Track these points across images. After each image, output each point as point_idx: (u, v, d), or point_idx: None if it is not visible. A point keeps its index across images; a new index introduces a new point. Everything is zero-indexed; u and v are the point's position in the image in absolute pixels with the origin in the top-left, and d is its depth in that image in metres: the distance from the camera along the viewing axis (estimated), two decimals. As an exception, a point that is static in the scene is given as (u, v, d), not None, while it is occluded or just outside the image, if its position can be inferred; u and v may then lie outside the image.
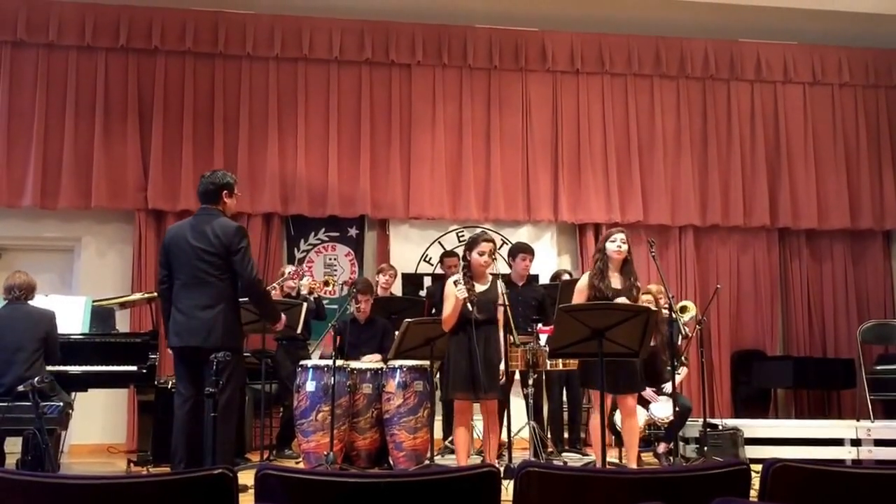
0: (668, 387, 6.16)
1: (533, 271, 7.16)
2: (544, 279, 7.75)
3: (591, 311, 4.71)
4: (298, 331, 6.64)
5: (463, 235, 8.42)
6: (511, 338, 5.94)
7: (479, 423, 5.91)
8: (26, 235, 8.05)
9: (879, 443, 6.72)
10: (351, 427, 6.05)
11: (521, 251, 6.97)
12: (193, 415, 4.97)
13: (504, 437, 6.23)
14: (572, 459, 6.60)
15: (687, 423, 6.41)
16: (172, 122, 8.12)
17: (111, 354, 6.18)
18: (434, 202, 8.44)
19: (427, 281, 8.37)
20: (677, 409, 5.96)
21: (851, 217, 9.11)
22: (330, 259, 8.49)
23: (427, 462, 5.77)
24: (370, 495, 2.24)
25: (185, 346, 4.99)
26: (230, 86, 8.28)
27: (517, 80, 8.77)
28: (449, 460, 6.19)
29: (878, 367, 8.23)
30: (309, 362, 6.18)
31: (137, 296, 7.14)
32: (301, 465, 6.01)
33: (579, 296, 5.24)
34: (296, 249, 8.42)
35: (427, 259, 8.58)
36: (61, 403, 5.53)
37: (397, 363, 5.99)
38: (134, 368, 6.17)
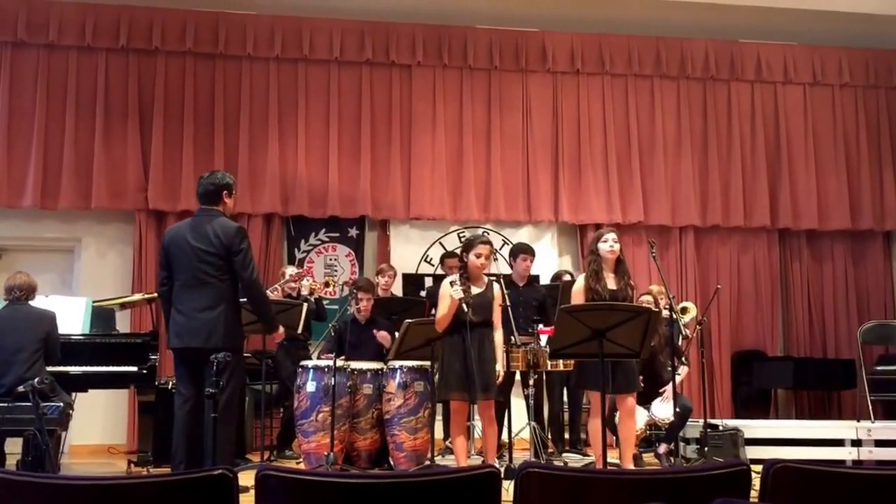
0: (668, 388, 6.16)
1: (534, 272, 7.16)
2: (545, 280, 7.74)
3: (592, 311, 4.71)
4: (299, 331, 6.64)
5: (464, 236, 8.41)
6: (512, 338, 5.95)
7: (479, 424, 5.91)
8: (26, 236, 8.05)
9: (880, 443, 6.72)
10: (351, 427, 6.04)
11: (522, 252, 6.97)
12: (194, 415, 4.96)
13: (505, 437, 6.24)
14: (573, 460, 6.60)
15: (687, 423, 6.41)
16: (173, 123, 8.12)
17: (111, 355, 6.18)
18: (434, 203, 8.44)
19: (428, 281, 8.36)
20: (678, 409, 5.96)
21: (852, 217, 9.11)
22: (330, 259, 8.49)
23: (428, 462, 5.76)
24: (371, 496, 2.24)
25: (185, 347, 4.98)
26: (230, 86, 8.28)
27: (517, 80, 8.77)
28: (449, 461, 6.18)
29: (879, 368, 8.23)
30: (309, 363, 6.17)
31: (138, 296, 7.15)
32: (301, 466, 6.01)
33: (576, 299, 5.22)
34: (296, 250, 8.42)
35: (428, 259, 8.58)
36: (61, 404, 5.53)
37: (398, 363, 5.98)
38: (134, 369, 6.17)
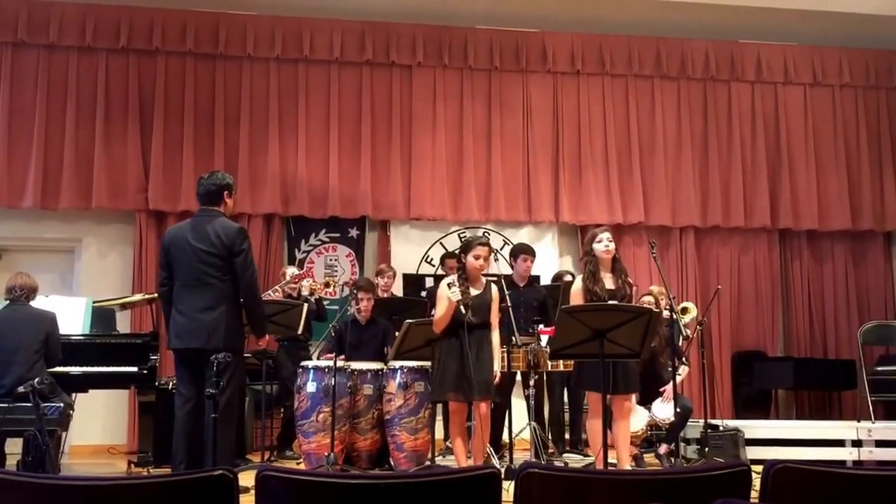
0: (668, 389, 6.16)
1: (534, 272, 7.16)
2: (546, 280, 7.74)
3: (593, 312, 4.70)
4: (299, 332, 6.64)
5: (464, 236, 8.40)
6: (513, 338, 5.95)
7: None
8: (27, 236, 8.05)
9: (880, 444, 6.73)
10: (352, 428, 6.04)
11: (523, 252, 6.97)
12: (194, 416, 4.96)
13: (505, 437, 6.24)
14: (573, 460, 6.60)
15: (688, 424, 6.40)
16: (173, 123, 8.12)
17: (112, 355, 6.18)
18: (435, 203, 8.44)
19: (429, 282, 8.35)
20: (678, 410, 5.96)
21: (852, 218, 9.11)
22: (330, 260, 8.49)
23: (428, 463, 5.76)
24: (371, 496, 2.24)
25: (186, 347, 4.98)
26: (231, 87, 8.29)
27: (518, 80, 8.77)
28: (450, 461, 6.18)
29: (879, 368, 8.22)
30: (310, 363, 6.17)
31: (138, 297, 7.14)
32: (302, 466, 6.01)
33: (574, 301, 5.20)
34: (296, 250, 8.42)
35: (428, 260, 8.57)
36: (62, 404, 5.53)
37: (398, 364, 5.98)
38: (134, 369, 6.17)
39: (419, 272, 8.47)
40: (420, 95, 8.58)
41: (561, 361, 5.87)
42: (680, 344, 6.42)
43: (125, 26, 8.03)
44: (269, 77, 8.35)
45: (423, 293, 7.79)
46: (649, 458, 6.41)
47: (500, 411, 6.27)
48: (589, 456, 6.62)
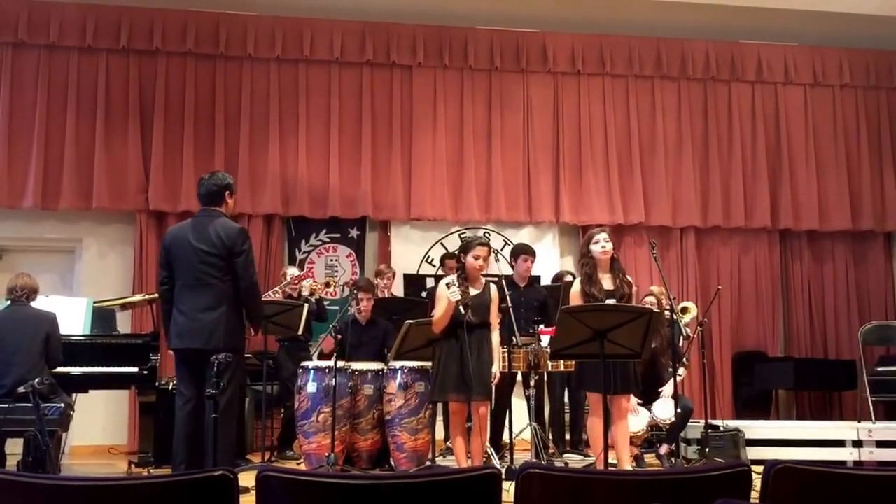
0: (667, 389, 6.16)
1: (535, 272, 7.16)
2: (546, 280, 7.74)
3: (594, 312, 4.70)
4: (300, 332, 6.64)
5: (465, 236, 8.39)
6: (514, 339, 5.95)
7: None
8: (27, 236, 8.06)
9: (881, 444, 6.73)
10: (352, 428, 6.04)
11: (523, 252, 6.97)
12: (194, 416, 4.96)
13: (506, 438, 6.24)
14: (574, 461, 6.60)
15: (688, 424, 6.40)
16: (173, 124, 8.12)
17: (112, 356, 6.18)
18: (435, 203, 8.44)
19: (429, 282, 8.34)
20: (679, 410, 5.96)
21: (852, 218, 9.11)
22: (331, 260, 8.49)
23: (428, 463, 5.76)
24: (371, 497, 2.24)
25: (186, 347, 4.99)
26: (231, 87, 8.29)
27: (518, 81, 8.77)
28: (450, 461, 6.18)
29: (880, 369, 8.21)
30: (310, 364, 6.17)
31: (138, 297, 7.15)
32: (302, 467, 6.01)
33: (573, 302, 5.20)
34: (297, 250, 8.42)
35: (429, 260, 8.57)
36: (62, 405, 5.53)
37: (398, 364, 5.98)
38: (135, 370, 6.17)
39: (420, 272, 8.47)
40: (420, 96, 8.58)
41: (561, 362, 5.87)
42: (680, 344, 6.41)
43: (125, 27, 8.03)
44: (270, 77, 8.35)
45: (424, 293, 7.80)
46: (650, 458, 6.41)
47: (501, 412, 6.28)
48: (589, 456, 6.62)
